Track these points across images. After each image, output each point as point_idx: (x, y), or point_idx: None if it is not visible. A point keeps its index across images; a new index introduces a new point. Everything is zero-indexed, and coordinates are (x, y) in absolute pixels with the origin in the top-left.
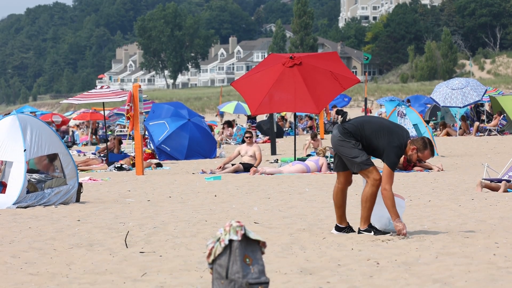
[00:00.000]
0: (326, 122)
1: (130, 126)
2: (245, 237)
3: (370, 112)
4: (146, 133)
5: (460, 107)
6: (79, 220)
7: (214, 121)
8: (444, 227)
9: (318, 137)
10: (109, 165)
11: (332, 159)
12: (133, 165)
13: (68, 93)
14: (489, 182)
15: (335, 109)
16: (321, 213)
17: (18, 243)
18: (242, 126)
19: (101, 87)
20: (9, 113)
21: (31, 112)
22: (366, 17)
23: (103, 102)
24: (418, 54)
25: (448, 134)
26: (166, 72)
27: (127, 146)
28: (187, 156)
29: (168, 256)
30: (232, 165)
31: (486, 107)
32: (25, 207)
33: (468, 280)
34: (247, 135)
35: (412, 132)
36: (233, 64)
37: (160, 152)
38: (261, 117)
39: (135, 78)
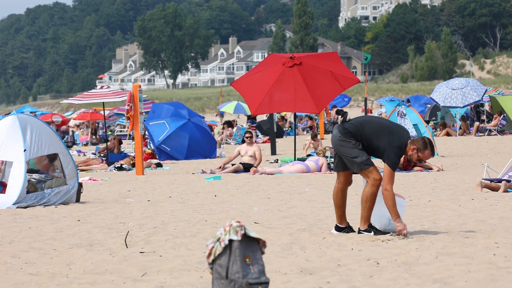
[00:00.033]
0: (326, 122)
1: (130, 126)
2: (245, 237)
3: (371, 112)
4: (146, 133)
5: (460, 107)
6: (79, 220)
7: (214, 121)
8: (444, 227)
9: (318, 137)
10: (109, 165)
11: (332, 159)
12: (133, 165)
13: (68, 93)
14: (489, 182)
15: (335, 109)
16: (321, 213)
17: (18, 243)
18: (242, 126)
19: (101, 87)
20: (9, 113)
21: (31, 112)
22: (366, 17)
23: (103, 102)
24: (418, 54)
25: (448, 134)
26: (166, 72)
27: (127, 146)
28: (187, 156)
29: (168, 256)
30: (232, 165)
31: (486, 107)
32: (25, 207)
33: (468, 280)
34: (247, 135)
35: (412, 132)
36: (233, 64)
37: (160, 152)
38: (261, 117)
39: (135, 78)
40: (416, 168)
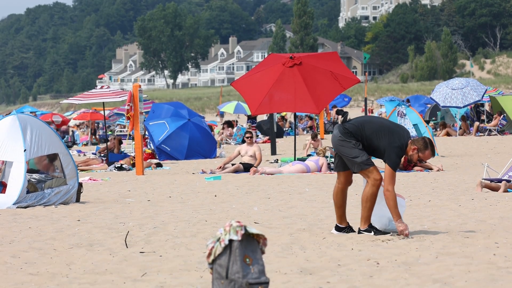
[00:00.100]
0: (326, 122)
1: (130, 126)
2: (245, 236)
3: (372, 112)
4: (146, 133)
5: (460, 107)
6: (79, 220)
7: (214, 121)
8: (444, 227)
9: (318, 137)
10: (109, 165)
11: (332, 159)
12: (133, 165)
13: (68, 93)
14: (489, 182)
15: (335, 109)
16: (321, 213)
17: (18, 243)
18: (242, 126)
19: (101, 87)
20: (9, 113)
21: (31, 112)
22: (366, 17)
23: (103, 102)
24: (418, 54)
25: (448, 134)
26: (166, 72)
27: (127, 146)
28: (187, 156)
29: (168, 256)
30: (232, 165)
31: (486, 107)
32: (25, 207)
33: (468, 280)
34: (247, 135)
35: (412, 132)
36: (233, 64)
37: (160, 152)
38: (261, 117)
39: (135, 78)
40: (416, 168)
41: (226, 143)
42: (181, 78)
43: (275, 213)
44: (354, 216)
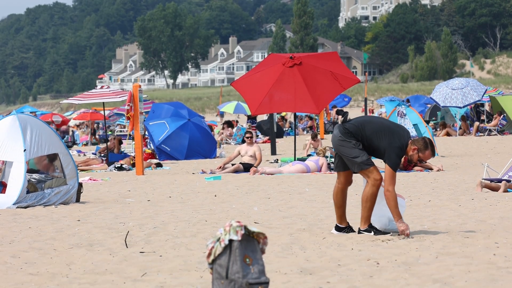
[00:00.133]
0: (326, 122)
1: (130, 126)
2: (245, 236)
3: (372, 112)
4: (146, 133)
5: (460, 107)
6: (79, 220)
7: (214, 121)
8: (444, 227)
9: (318, 137)
10: (109, 165)
11: (332, 159)
12: (133, 165)
13: (68, 93)
14: (489, 182)
15: (335, 109)
16: (321, 213)
17: (18, 243)
18: (242, 126)
19: (101, 87)
20: (9, 113)
21: (31, 112)
22: (366, 17)
23: (103, 102)
24: (418, 54)
25: (448, 134)
26: (166, 72)
27: (127, 146)
28: (187, 156)
29: (168, 256)
30: (232, 165)
31: (486, 107)
32: (25, 207)
33: (468, 280)
34: (247, 135)
35: (412, 132)
36: (233, 64)
37: (160, 152)
38: (261, 117)
39: (135, 78)
40: (416, 168)
41: (226, 143)
42: (181, 78)
43: (275, 213)
44: (354, 216)
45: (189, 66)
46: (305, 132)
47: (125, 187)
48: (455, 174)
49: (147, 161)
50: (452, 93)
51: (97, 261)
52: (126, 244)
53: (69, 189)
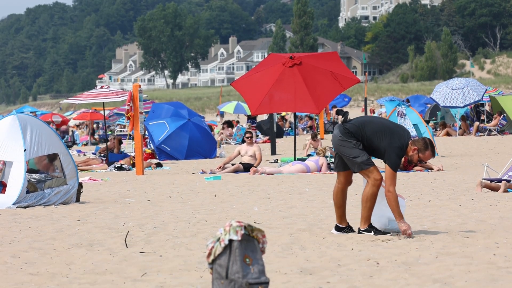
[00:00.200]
0: (326, 122)
1: (130, 126)
2: (245, 236)
3: (373, 112)
4: (146, 133)
5: (460, 107)
6: (79, 220)
7: (214, 121)
8: (444, 227)
9: (318, 137)
10: (109, 165)
11: (332, 159)
12: (133, 165)
13: (68, 93)
14: (489, 182)
15: (335, 109)
16: (321, 213)
17: (18, 243)
18: (242, 126)
19: (101, 87)
20: (9, 113)
21: (31, 112)
22: (366, 17)
23: (103, 102)
24: (418, 54)
25: (448, 134)
26: (166, 72)
27: (127, 146)
28: (187, 156)
29: (168, 256)
30: (232, 165)
31: (486, 107)
32: (25, 207)
33: (468, 280)
34: (247, 135)
35: (412, 132)
36: (233, 64)
37: (160, 152)
38: (261, 117)
39: (135, 78)
40: (416, 168)
41: (226, 143)
42: (181, 78)
43: (275, 213)
44: (354, 216)
45: (189, 66)
46: (305, 132)
47: (125, 187)
48: (455, 174)
49: (147, 161)
50: (452, 93)
51: (97, 261)
52: (126, 244)
53: (69, 189)
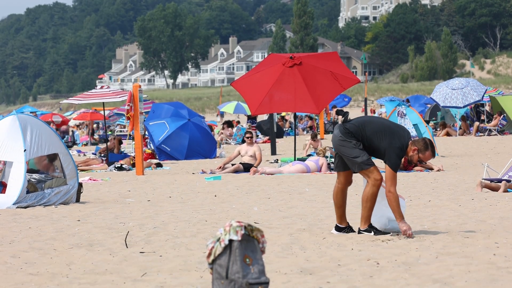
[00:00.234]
0: (326, 122)
1: (130, 126)
2: (245, 236)
3: (374, 113)
4: (146, 133)
5: (460, 107)
6: (79, 220)
7: (214, 121)
8: (444, 227)
9: (318, 137)
10: (109, 165)
11: (332, 159)
12: (133, 165)
13: (68, 93)
14: (489, 182)
15: (335, 109)
16: (321, 213)
17: (18, 243)
18: (242, 126)
19: (101, 87)
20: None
21: (31, 112)
22: (366, 17)
23: (103, 102)
24: (418, 54)
25: (448, 134)
26: (166, 72)
27: (127, 146)
28: (187, 156)
29: (168, 256)
30: (232, 165)
31: (486, 107)
32: (25, 207)
33: (468, 280)
34: (247, 135)
35: (412, 132)
36: (233, 64)
37: (160, 152)
38: (261, 117)
39: (135, 78)
40: (416, 168)
41: (226, 143)
42: (181, 78)
43: (275, 213)
44: (354, 216)
45: (189, 66)
46: (305, 132)
47: (125, 187)
48: (455, 174)
49: (147, 161)
50: (452, 93)
51: (97, 261)
52: (126, 244)
53: (69, 189)
